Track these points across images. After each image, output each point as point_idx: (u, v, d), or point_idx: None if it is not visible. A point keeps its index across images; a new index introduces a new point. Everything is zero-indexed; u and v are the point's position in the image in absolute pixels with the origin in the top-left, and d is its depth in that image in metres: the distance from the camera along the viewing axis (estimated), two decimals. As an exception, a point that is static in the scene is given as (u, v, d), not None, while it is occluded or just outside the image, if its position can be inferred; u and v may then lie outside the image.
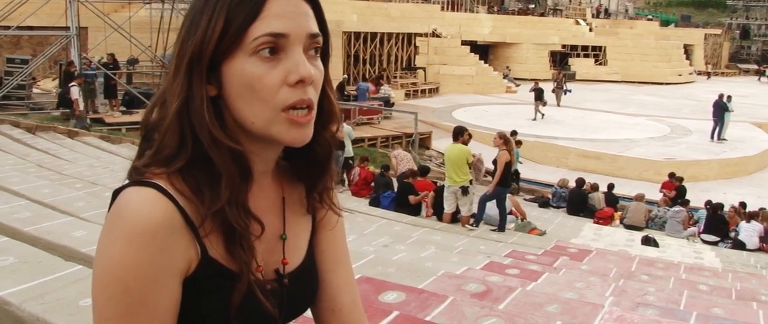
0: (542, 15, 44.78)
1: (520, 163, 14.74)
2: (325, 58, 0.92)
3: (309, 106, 0.85)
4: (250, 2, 0.82)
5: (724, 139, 19.12)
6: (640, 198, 12.19)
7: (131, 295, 0.79)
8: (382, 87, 25.44)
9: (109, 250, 0.80)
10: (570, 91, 24.21)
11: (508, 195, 9.43)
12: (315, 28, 0.86)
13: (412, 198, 9.96)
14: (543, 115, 21.59)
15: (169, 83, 0.86)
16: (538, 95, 21.74)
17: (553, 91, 24.03)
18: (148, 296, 0.80)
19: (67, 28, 15.06)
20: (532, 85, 23.01)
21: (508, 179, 9.35)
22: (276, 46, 0.82)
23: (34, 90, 18.74)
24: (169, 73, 0.86)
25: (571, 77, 31.92)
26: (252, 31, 0.82)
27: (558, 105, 23.69)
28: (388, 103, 21.53)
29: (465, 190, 8.84)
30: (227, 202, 0.83)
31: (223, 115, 0.86)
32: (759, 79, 43.13)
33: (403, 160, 12.96)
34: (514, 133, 15.41)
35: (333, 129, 0.96)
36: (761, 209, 11.43)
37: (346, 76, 23.54)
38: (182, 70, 0.84)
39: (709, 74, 43.33)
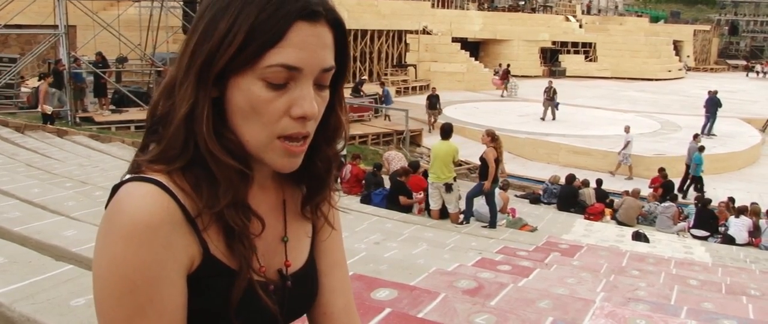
0: (533, 11, 44.89)
1: (702, 171, 14.41)
2: (341, 78, 0.92)
3: (305, 137, 0.85)
4: (273, 27, 0.80)
5: (714, 135, 19.25)
6: (635, 193, 12.23)
7: (138, 294, 0.77)
8: (509, 82, 25.16)
9: (111, 248, 0.78)
10: (557, 105, 21.43)
11: (498, 191, 9.45)
12: (330, 61, 0.85)
13: (402, 199, 9.93)
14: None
15: (179, 80, 0.83)
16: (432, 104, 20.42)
17: (544, 103, 21.71)
18: (156, 294, 0.78)
19: (55, 27, 14.90)
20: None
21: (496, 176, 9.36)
22: (287, 76, 0.81)
23: (23, 89, 18.61)
24: (179, 66, 0.84)
25: (562, 74, 31.91)
26: (268, 57, 0.80)
27: (553, 118, 21.30)
28: (380, 101, 21.53)
29: (449, 187, 8.86)
30: (226, 206, 0.83)
31: (226, 118, 0.85)
32: (747, 74, 43.41)
33: (394, 159, 12.97)
34: (696, 136, 15.38)
35: (337, 147, 0.96)
36: (753, 204, 11.50)
37: (365, 77, 23.58)
38: (193, 72, 0.82)
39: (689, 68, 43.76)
